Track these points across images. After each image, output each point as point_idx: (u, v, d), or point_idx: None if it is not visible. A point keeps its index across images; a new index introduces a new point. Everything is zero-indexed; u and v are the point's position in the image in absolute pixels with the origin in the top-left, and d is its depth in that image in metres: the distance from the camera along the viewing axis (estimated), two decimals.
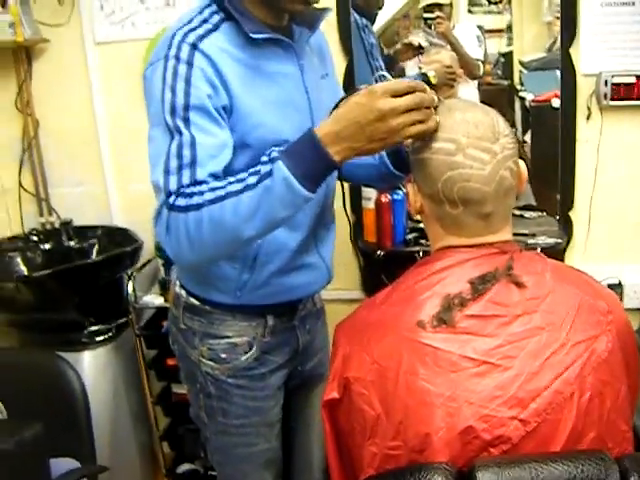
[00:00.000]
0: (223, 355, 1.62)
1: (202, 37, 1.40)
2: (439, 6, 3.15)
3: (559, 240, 2.31)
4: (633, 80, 2.24)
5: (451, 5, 3.25)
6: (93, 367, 2.37)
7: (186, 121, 1.33)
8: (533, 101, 2.99)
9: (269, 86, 1.47)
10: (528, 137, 3.17)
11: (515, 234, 2.27)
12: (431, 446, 1.18)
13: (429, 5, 3.15)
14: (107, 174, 2.68)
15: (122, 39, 2.51)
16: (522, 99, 3.24)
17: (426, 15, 3.16)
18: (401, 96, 1.24)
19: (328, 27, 2.31)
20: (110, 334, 2.43)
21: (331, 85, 1.69)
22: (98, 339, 2.40)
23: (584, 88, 2.29)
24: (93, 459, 2.08)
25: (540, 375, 1.19)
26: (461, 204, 1.29)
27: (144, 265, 2.52)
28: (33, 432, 1.66)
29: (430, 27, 3.16)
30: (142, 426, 2.55)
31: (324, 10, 1.62)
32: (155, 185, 1.34)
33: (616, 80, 2.24)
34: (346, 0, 2.31)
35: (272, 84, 1.48)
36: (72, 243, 2.59)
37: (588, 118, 2.30)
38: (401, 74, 3.04)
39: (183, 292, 1.65)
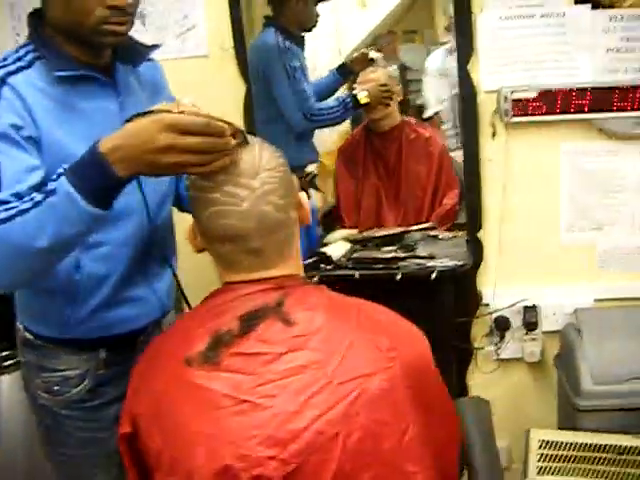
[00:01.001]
0: (56, 388, 1.61)
1: (12, 73, 1.42)
2: None
3: (460, 262, 2.24)
4: (534, 95, 2.16)
5: None
6: (9, 392, 2.39)
7: None
8: None
9: (83, 122, 1.47)
10: None
11: (415, 257, 2.27)
12: None
13: None
14: None
15: None
16: None
17: None
18: (191, 134, 1.20)
19: (225, 54, 2.32)
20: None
21: None
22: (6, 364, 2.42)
23: (487, 105, 2.21)
24: None
25: (301, 415, 1.16)
26: (227, 241, 1.28)
27: None
28: None
29: None
30: None
31: (149, 47, 1.63)
32: None
33: (517, 95, 2.17)
34: (240, 26, 2.29)
35: (86, 121, 1.48)
36: None
37: (493, 136, 2.22)
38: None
39: (21, 326, 1.66)
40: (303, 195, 1.37)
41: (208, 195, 1.26)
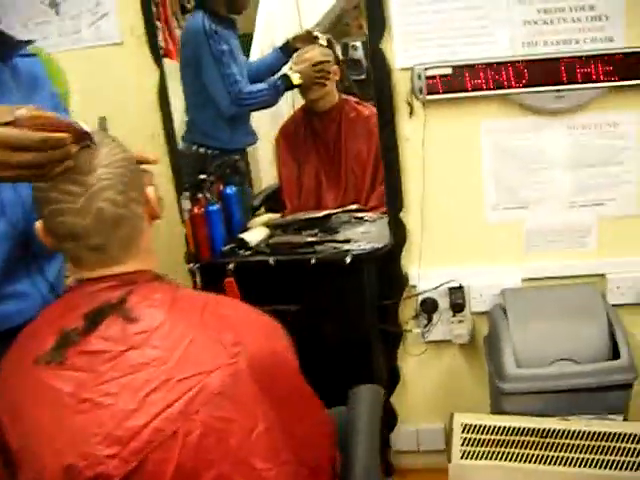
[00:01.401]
0: None
1: None
2: None
3: (379, 245, 2.20)
4: (449, 72, 2.11)
5: None
6: None
7: None
8: None
9: None
10: None
11: (332, 241, 2.24)
12: None
13: None
14: None
15: None
16: None
17: None
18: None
19: (138, 40, 2.29)
20: None
21: None
22: None
23: (402, 83, 2.16)
24: None
25: (140, 413, 1.15)
26: (68, 239, 1.26)
27: None
28: None
29: None
30: None
31: (21, 42, 1.58)
32: None
33: (431, 73, 2.11)
34: (150, 12, 2.25)
35: None
36: None
37: (411, 114, 2.17)
38: None
39: None
40: (151, 190, 1.33)
41: (46, 194, 1.24)
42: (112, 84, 2.36)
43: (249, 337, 1.26)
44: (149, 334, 1.21)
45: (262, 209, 2.86)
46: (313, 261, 2.12)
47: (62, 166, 1.20)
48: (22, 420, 1.24)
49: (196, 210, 2.23)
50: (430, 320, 2.29)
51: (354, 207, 2.53)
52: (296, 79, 2.71)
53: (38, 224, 1.32)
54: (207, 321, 1.26)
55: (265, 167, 3.25)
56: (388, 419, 2.36)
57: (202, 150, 2.73)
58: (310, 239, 2.20)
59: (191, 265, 2.24)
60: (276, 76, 2.81)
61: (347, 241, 2.20)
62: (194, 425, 1.16)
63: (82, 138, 1.22)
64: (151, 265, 1.35)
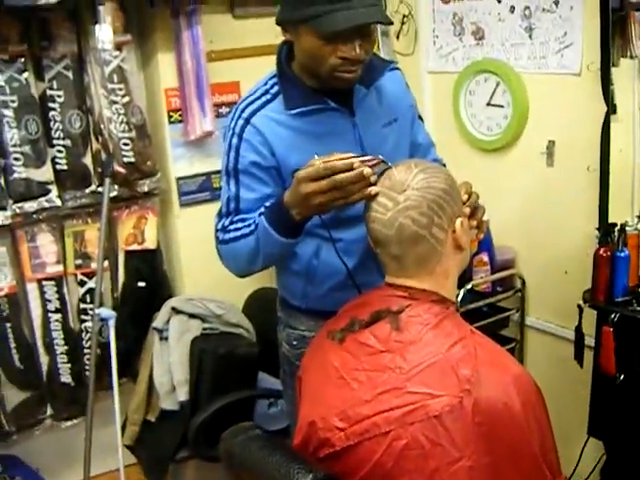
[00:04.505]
0: (295, 342, 1.93)
1: (256, 111, 1.71)
2: None
3: None
4: None
5: None
6: None
7: (236, 180, 1.73)
8: None
9: (320, 147, 1.61)
10: None
11: None
12: (298, 427, 1.51)
13: None
14: None
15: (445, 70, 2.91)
16: None
17: None
18: (323, 178, 1.45)
19: (592, 75, 2.30)
20: None
21: (401, 128, 1.83)
22: None
23: None
24: None
25: (370, 405, 1.37)
26: (377, 244, 1.50)
27: None
28: None
29: None
30: None
31: (385, 63, 1.81)
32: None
33: None
34: (607, 52, 2.20)
35: (323, 144, 1.65)
36: None
37: None
38: None
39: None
40: (459, 222, 1.47)
41: (369, 202, 1.48)
42: (564, 112, 2.46)
43: (486, 382, 1.32)
44: (405, 345, 1.39)
45: None
46: None
47: (362, 193, 1.45)
48: (307, 375, 1.57)
49: (602, 252, 2.20)
50: None
51: None
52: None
53: None
54: (456, 351, 1.37)
55: None
56: None
57: None
58: None
59: (581, 302, 2.26)
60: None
61: None
62: (405, 434, 1.31)
63: (376, 164, 1.45)
64: (443, 289, 1.49)
